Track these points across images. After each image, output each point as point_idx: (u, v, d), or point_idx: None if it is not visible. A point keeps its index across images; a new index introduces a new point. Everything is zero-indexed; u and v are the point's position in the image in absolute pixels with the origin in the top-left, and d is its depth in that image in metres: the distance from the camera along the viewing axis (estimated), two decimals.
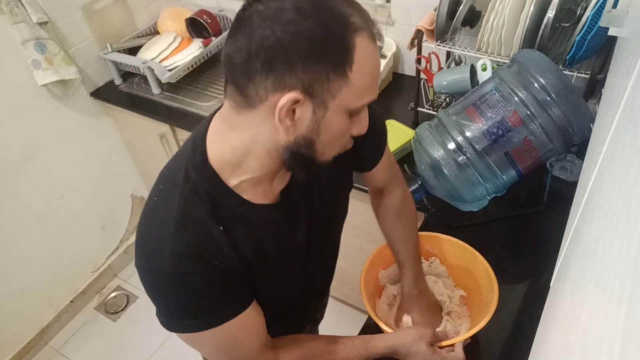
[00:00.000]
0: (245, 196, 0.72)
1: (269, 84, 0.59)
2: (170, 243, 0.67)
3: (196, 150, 0.70)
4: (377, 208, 1.07)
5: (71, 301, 2.24)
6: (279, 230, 0.78)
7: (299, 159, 0.67)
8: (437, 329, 1.00)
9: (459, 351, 0.91)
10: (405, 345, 0.87)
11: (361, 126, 0.70)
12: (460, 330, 1.02)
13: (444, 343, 0.90)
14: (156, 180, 0.75)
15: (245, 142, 0.67)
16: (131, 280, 2.38)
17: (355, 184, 1.46)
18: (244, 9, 0.61)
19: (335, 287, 1.87)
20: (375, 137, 0.89)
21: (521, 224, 1.26)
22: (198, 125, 0.75)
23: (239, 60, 0.60)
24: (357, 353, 0.86)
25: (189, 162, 0.70)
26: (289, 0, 0.58)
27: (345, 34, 0.59)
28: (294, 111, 0.61)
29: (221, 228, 0.70)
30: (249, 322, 0.75)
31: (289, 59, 0.58)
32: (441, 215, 1.29)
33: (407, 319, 1.00)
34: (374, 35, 0.62)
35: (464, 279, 1.08)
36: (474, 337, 1.01)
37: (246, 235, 0.73)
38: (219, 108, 0.72)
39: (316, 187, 0.81)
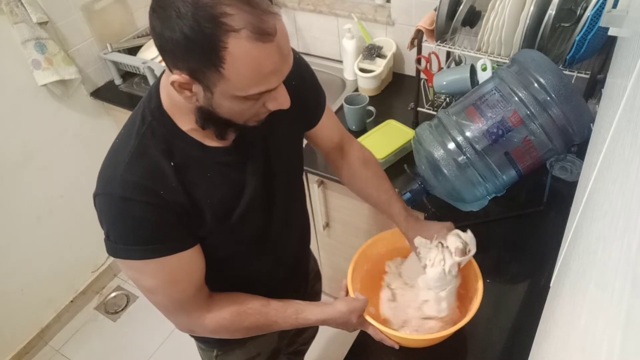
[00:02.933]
0: (198, 138, 0.78)
1: (167, 61, 0.68)
2: (122, 171, 0.74)
3: (152, 97, 0.78)
4: (340, 165, 1.11)
5: (71, 301, 2.24)
6: (232, 174, 0.83)
7: (209, 120, 0.74)
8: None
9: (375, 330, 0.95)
10: (336, 320, 0.93)
11: (277, 103, 0.74)
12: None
13: (387, 331, 0.93)
14: (121, 128, 0.82)
15: (176, 97, 0.73)
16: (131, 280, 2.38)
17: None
18: None
19: (334, 287, 1.87)
20: (314, 93, 0.97)
21: (521, 224, 1.26)
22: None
23: (152, 34, 0.67)
24: (286, 320, 0.91)
25: (146, 107, 0.78)
26: None
27: (214, 35, 0.62)
28: (189, 86, 0.68)
29: (172, 164, 0.76)
30: (189, 264, 0.80)
31: (170, 50, 0.65)
32: (441, 215, 1.29)
33: (419, 240, 1.03)
34: (259, 33, 0.63)
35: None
36: (472, 337, 1.02)
37: (197, 176, 0.78)
38: None
39: (270, 139, 0.86)
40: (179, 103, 0.75)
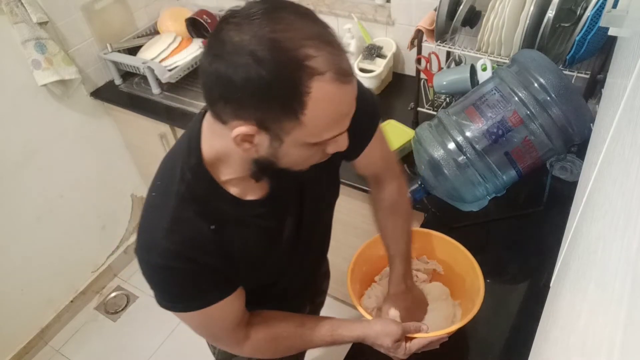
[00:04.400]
0: (234, 192, 0.77)
1: (227, 111, 0.63)
2: (162, 239, 0.73)
3: (191, 152, 0.74)
4: (372, 201, 1.08)
5: (71, 301, 2.24)
6: (267, 225, 0.83)
7: (265, 172, 0.73)
8: (422, 321, 1.01)
9: (419, 342, 0.92)
10: (371, 337, 0.91)
11: (338, 147, 0.70)
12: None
13: (416, 335, 0.91)
14: (155, 175, 0.80)
15: (225, 149, 0.71)
16: (131, 280, 2.38)
17: (355, 184, 1.47)
18: (221, 23, 0.62)
19: (335, 287, 1.87)
20: (357, 129, 0.88)
21: (521, 224, 1.26)
22: (191, 121, 0.79)
23: (205, 81, 0.63)
24: (321, 338, 0.90)
25: (185, 163, 0.74)
26: (248, 37, 0.58)
27: (298, 80, 0.58)
28: (252, 137, 0.64)
29: (212, 227, 0.75)
30: (227, 308, 0.82)
31: (240, 98, 0.60)
32: (441, 215, 1.29)
33: (394, 313, 1.00)
34: (341, 75, 0.60)
35: (452, 276, 1.08)
36: (472, 337, 1.02)
37: (234, 233, 0.78)
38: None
39: (305, 179, 0.84)
40: (224, 156, 0.72)
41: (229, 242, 0.77)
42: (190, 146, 0.74)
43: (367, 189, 1.41)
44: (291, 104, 0.59)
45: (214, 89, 0.62)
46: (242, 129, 0.62)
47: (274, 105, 0.60)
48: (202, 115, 0.75)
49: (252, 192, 0.79)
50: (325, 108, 0.61)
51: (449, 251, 1.07)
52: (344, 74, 0.61)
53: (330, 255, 1.86)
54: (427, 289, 1.10)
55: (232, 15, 0.61)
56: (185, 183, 0.73)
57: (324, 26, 0.63)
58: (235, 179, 0.76)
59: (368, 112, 0.89)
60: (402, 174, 1.04)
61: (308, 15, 0.63)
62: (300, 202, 0.86)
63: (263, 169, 0.71)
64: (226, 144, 0.68)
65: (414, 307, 1.04)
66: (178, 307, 0.79)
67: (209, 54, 0.61)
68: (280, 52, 0.57)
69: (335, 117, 0.64)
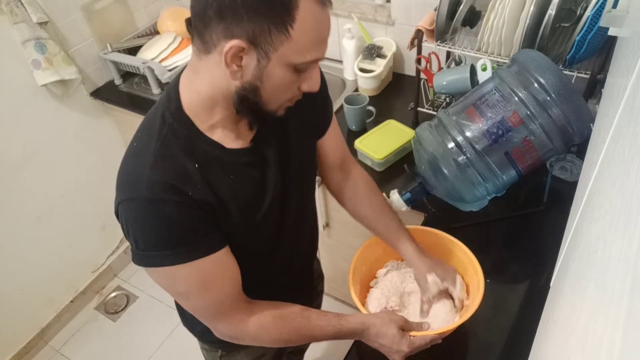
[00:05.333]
0: (217, 139, 0.78)
1: (219, 30, 0.65)
2: (148, 173, 0.72)
3: (171, 99, 0.77)
4: (343, 186, 1.07)
5: (71, 301, 2.24)
6: (252, 174, 0.83)
7: (246, 104, 0.73)
8: (456, 286, 1.01)
9: (422, 339, 0.92)
10: (376, 325, 0.90)
11: (312, 83, 0.75)
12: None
13: (415, 334, 0.91)
14: (136, 131, 0.80)
15: (206, 86, 0.73)
16: (131, 280, 2.38)
17: None
18: None
19: (335, 287, 1.87)
20: (323, 102, 0.96)
21: (521, 224, 1.26)
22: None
23: (198, 8, 0.66)
24: (328, 323, 0.89)
25: (165, 109, 0.77)
26: None
27: None
28: (240, 58, 0.67)
29: (196, 165, 0.75)
30: (223, 264, 0.80)
31: (236, 10, 0.64)
32: (441, 215, 1.29)
33: (432, 277, 1.00)
34: (323, 1, 0.67)
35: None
36: (472, 337, 1.02)
37: (221, 176, 0.78)
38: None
39: (283, 142, 0.86)
40: (205, 98, 0.74)
41: (217, 184, 0.77)
42: (169, 94, 0.77)
43: None
44: (282, 16, 0.64)
45: (208, 9, 0.65)
46: (233, 42, 0.65)
47: (266, 16, 0.64)
48: (181, 72, 0.79)
49: (234, 142, 0.80)
50: (310, 25, 0.66)
51: (448, 248, 1.07)
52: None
53: (330, 255, 1.86)
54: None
55: None
56: (167, 126, 0.75)
57: None
58: (215, 126, 0.77)
59: (326, 90, 0.95)
60: (357, 163, 1.10)
61: None
62: (280, 163, 0.86)
63: (246, 97, 0.72)
64: (208, 78, 0.72)
65: (444, 266, 1.03)
66: (166, 258, 0.74)
67: None
68: None
69: (318, 37, 0.69)
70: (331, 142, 1.01)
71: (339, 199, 1.10)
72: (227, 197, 0.78)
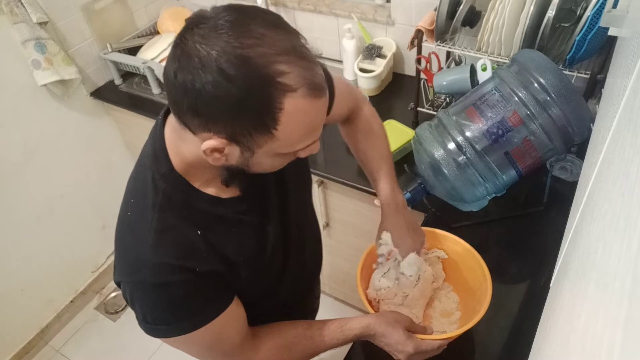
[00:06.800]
0: (211, 193, 0.74)
1: (196, 123, 0.60)
2: (150, 255, 0.68)
3: (159, 160, 0.71)
4: (347, 135, 1.06)
5: (71, 301, 2.24)
6: (252, 221, 0.80)
7: (235, 177, 0.71)
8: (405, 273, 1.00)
9: (430, 344, 0.90)
10: (381, 324, 0.88)
11: (310, 151, 0.69)
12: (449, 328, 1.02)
13: (422, 337, 0.89)
14: (124, 194, 0.76)
15: (194, 155, 0.68)
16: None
17: (355, 184, 1.46)
18: (185, 31, 0.58)
19: (335, 287, 1.86)
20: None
21: (521, 224, 1.26)
22: (152, 129, 0.76)
23: (169, 92, 0.60)
24: (333, 337, 0.87)
25: (155, 173, 0.71)
26: (215, 52, 0.55)
27: (270, 97, 0.56)
28: (222, 149, 0.62)
29: (199, 232, 0.71)
30: (232, 317, 0.77)
31: (210, 112, 0.58)
32: (441, 215, 1.29)
33: (386, 236, 0.98)
34: (314, 89, 0.59)
35: (458, 277, 1.08)
36: (472, 337, 1.01)
37: (224, 235, 0.75)
38: (166, 111, 0.73)
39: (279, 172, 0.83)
40: (194, 161, 0.69)
41: (220, 245, 0.74)
42: (156, 154, 0.72)
43: (365, 188, 1.42)
44: (263, 120, 0.58)
45: (181, 100, 0.59)
46: (211, 142, 0.60)
47: (245, 122, 0.58)
48: (162, 122, 0.73)
49: (229, 191, 0.76)
50: (298, 122, 0.60)
51: (457, 250, 1.06)
52: (317, 88, 0.59)
53: (331, 256, 1.86)
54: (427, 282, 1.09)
55: (196, 24, 0.58)
56: (161, 192, 0.70)
57: (296, 37, 0.60)
58: (209, 181, 0.73)
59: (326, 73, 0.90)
60: (367, 101, 1.05)
61: (279, 26, 0.59)
62: (278, 193, 0.84)
63: (234, 174, 0.70)
64: (195, 150, 0.66)
65: (409, 232, 0.99)
66: (177, 329, 0.72)
67: (173, 63, 0.58)
68: (250, 70, 0.55)
69: (308, 129, 0.63)
70: (337, 111, 0.91)
71: (345, 139, 1.08)
72: (233, 255, 0.76)
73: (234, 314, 0.78)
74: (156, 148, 0.72)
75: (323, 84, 0.61)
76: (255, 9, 0.61)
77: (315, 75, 0.60)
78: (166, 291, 0.70)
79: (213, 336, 0.76)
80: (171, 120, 0.70)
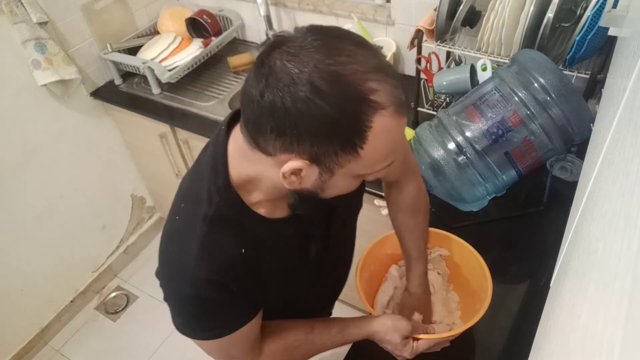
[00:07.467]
0: (262, 213, 0.74)
1: (277, 144, 0.59)
2: (193, 268, 0.70)
3: (218, 173, 0.70)
4: (390, 202, 1.05)
5: (71, 301, 2.24)
6: (295, 244, 0.81)
7: (304, 202, 0.70)
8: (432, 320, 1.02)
9: (426, 342, 0.92)
10: (380, 333, 0.90)
11: (390, 173, 0.70)
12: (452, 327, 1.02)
13: (421, 336, 0.91)
14: (176, 197, 0.77)
15: (257, 175, 0.68)
16: (131, 280, 2.38)
17: None
18: (271, 50, 0.58)
19: None
20: None
21: (521, 224, 1.26)
22: (214, 137, 0.75)
23: (251, 112, 0.59)
24: (333, 340, 0.89)
25: (211, 185, 0.71)
26: (308, 69, 0.55)
27: (362, 114, 0.56)
28: (300, 171, 0.61)
29: (243, 251, 0.72)
30: (251, 329, 0.79)
31: (297, 132, 0.57)
32: (441, 215, 1.29)
33: (418, 317, 1.00)
34: (400, 108, 0.59)
35: (458, 277, 1.08)
36: (472, 337, 1.01)
37: (266, 258, 0.76)
38: (232, 117, 0.72)
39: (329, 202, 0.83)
40: (255, 180, 0.69)
41: (259, 264, 0.75)
42: (216, 167, 0.71)
43: (367, 188, 1.41)
44: (352, 139, 0.57)
45: (265, 121, 0.57)
46: (293, 163, 0.59)
47: (333, 141, 0.57)
48: (226, 131, 0.71)
49: (278, 211, 0.76)
50: (384, 141, 0.59)
51: (457, 250, 1.07)
52: (403, 105, 0.59)
53: None
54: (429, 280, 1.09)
55: (283, 43, 0.57)
56: (214, 206, 0.70)
57: (381, 56, 0.60)
58: (262, 201, 0.73)
59: None
60: (419, 172, 1.02)
61: (365, 46, 0.59)
62: (326, 216, 0.84)
63: (304, 200, 0.69)
64: (261, 170, 0.66)
65: (427, 310, 1.04)
66: (201, 335, 0.76)
67: (259, 82, 0.57)
68: (344, 86, 0.55)
69: (392, 148, 0.62)
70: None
71: (387, 205, 1.06)
72: (269, 278, 0.78)
73: (254, 327, 0.80)
74: (217, 160, 0.71)
75: (404, 103, 0.61)
76: (340, 29, 0.61)
77: (401, 94, 0.60)
78: (200, 305, 0.72)
79: (229, 347, 0.80)
80: (237, 136, 0.69)
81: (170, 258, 0.74)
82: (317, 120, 0.55)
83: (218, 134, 0.73)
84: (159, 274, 0.75)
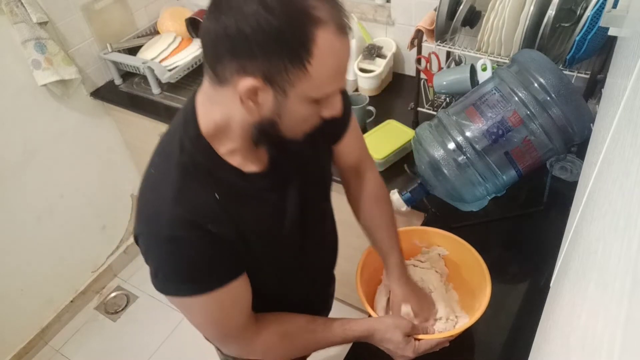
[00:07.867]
0: (236, 164, 0.76)
1: (233, 67, 0.63)
2: (169, 208, 0.71)
3: (188, 124, 0.74)
4: (351, 193, 1.06)
5: (71, 301, 2.24)
6: (272, 198, 0.82)
7: (265, 136, 0.73)
8: (437, 317, 1.01)
9: (427, 343, 0.92)
10: (381, 331, 0.90)
11: (333, 109, 0.73)
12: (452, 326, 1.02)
13: (421, 336, 0.91)
14: (152, 155, 0.79)
15: (223, 116, 0.72)
16: (131, 280, 2.38)
17: None
18: None
19: (335, 288, 1.86)
20: (344, 103, 0.94)
21: (521, 224, 1.26)
22: (185, 102, 0.79)
23: (209, 42, 0.64)
24: (334, 334, 0.89)
25: (183, 135, 0.74)
26: None
27: (305, 28, 0.60)
28: (256, 95, 0.65)
29: (217, 196, 0.74)
30: (238, 294, 0.79)
31: (249, 49, 0.61)
32: (441, 215, 1.29)
33: (406, 309, 0.99)
34: (341, 28, 0.63)
35: (458, 277, 1.08)
36: (472, 337, 1.01)
37: (241, 207, 0.77)
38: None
39: (301, 153, 0.85)
40: (223, 126, 0.72)
41: (237, 215, 0.76)
42: (186, 119, 0.75)
43: None
44: (299, 51, 0.61)
45: (219, 45, 0.62)
46: (248, 81, 0.63)
47: (282, 54, 0.61)
48: (194, 95, 0.76)
49: (253, 165, 0.78)
50: (329, 59, 0.63)
51: (456, 249, 1.07)
52: (344, 26, 0.64)
53: None
54: (427, 279, 1.09)
55: None
56: (186, 153, 0.73)
57: None
58: (235, 151, 0.76)
59: (347, 97, 0.92)
60: (374, 163, 1.06)
61: None
62: (299, 178, 0.85)
63: (264, 131, 0.72)
64: (225, 110, 0.70)
65: (424, 300, 1.03)
66: (184, 289, 0.74)
67: (214, 12, 0.62)
68: (288, 1, 0.60)
69: (337, 69, 0.66)
70: (347, 145, 0.97)
71: (348, 200, 1.08)
72: (247, 227, 0.77)
73: (241, 291, 0.80)
74: (187, 114, 0.75)
75: (348, 25, 0.65)
76: None
77: (343, 15, 0.64)
78: (178, 246, 0.72)
79: (217, 308, 0.78)
80: (204, 87, 0.73)
81: (146, 205, 0.75)
82: (265, 33, 0.60)
83: (188, 98, 0.78)
84: (137, 228, 0.75)
